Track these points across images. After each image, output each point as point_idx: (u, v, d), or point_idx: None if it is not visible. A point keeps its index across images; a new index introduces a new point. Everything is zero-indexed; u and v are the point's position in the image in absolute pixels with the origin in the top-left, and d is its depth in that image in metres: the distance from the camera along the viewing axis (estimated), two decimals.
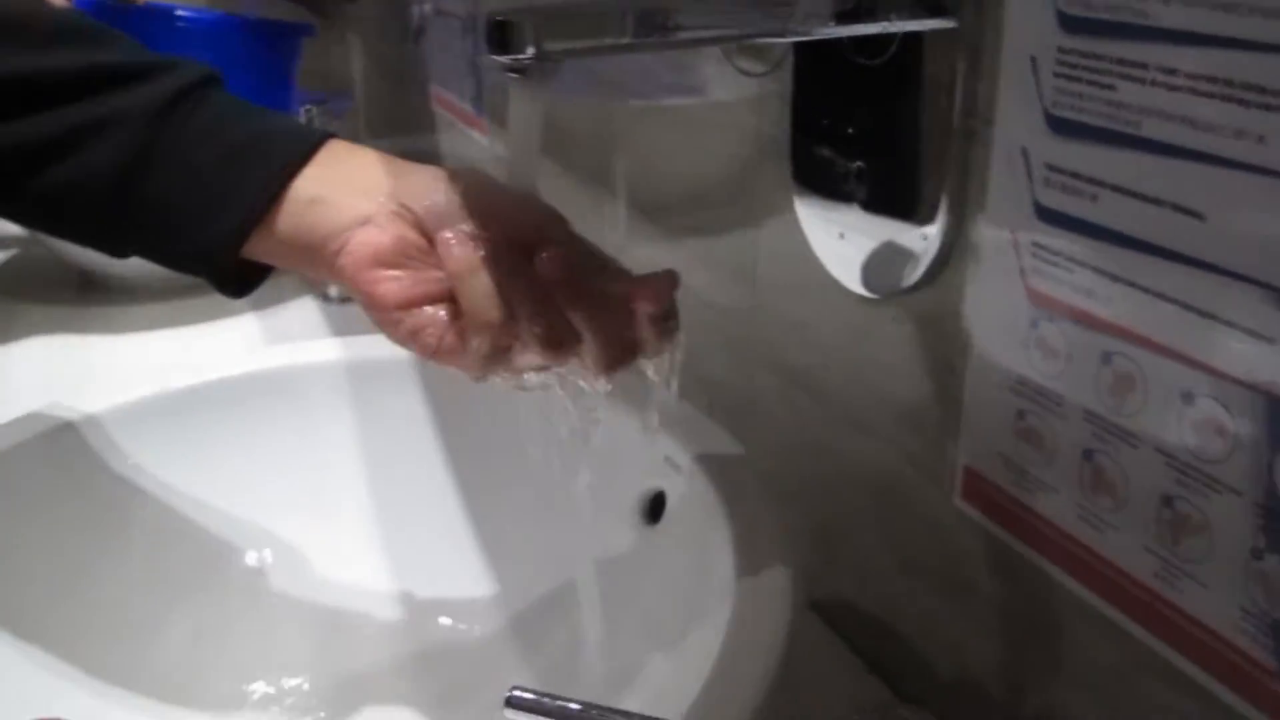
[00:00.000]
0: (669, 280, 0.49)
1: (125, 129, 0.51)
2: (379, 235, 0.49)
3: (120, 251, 0.55)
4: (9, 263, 1.23)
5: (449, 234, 0.48)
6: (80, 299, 1.12)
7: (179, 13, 1.27)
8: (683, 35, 0.48)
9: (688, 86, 0.74)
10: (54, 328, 1.06)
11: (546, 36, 0.43)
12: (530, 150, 0.46)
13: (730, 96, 0.69)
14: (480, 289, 0.47)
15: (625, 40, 0.46)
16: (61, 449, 0.63)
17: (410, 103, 1.45)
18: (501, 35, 0.43)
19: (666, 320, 0.49)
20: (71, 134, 0.51)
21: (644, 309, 0.48)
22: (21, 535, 0.60)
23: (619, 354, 0.48)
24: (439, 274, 0.49)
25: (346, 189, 0.51)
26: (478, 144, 1.18)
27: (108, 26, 0.55)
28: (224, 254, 0.52)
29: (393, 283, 0.49)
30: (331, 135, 0.54)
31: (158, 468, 0.66)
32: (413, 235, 0.50)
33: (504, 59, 0.44)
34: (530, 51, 0.43)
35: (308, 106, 1.15)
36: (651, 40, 0.47)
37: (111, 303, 1.10)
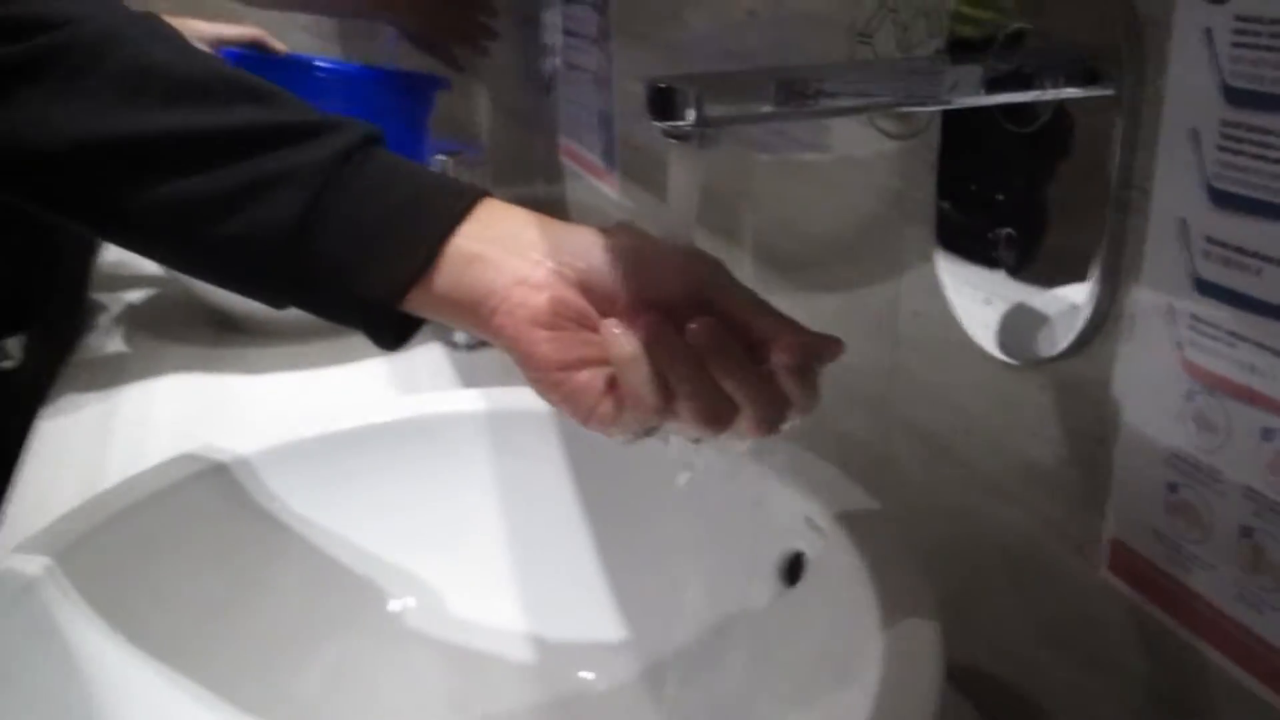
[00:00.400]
0: (792, 328, 0.49)
1: (299, 185, 0.53)
2: (537, 295, 0.50)
3: (281, 303, 0.57)
4: (150, 302, 1.28)
5: (613, 323, 0.49)
6: (216, 339, 1.16)
7: (318, 64, 1.32)
8: (832, 104, 0.49)
9: (824, 144, 0.75)
10: (192, 366, 1.10)
11: (707, 102, 0.44)
12: (689, 214, 0.47)
13: (868, 154, 0.69)
14: (640, 376, 0.48)
15: (776, 109, 0.47)
16: (214, 489, 0.65)
17: (537, 153, 1.48)
18: (663, 101, 0.44)
19: (806, 374, 0.49)
20: (248, 189, 0.53)
21: (782, 361, 0.48)
22: (173, 570, 0.62)
23: (772, 422, 0.49)
24: (594, 336, 0.50)
25: (505, 247, 0.52)
26: (605, 196, 1.20)
27: (277, 86, 0.57)
28: (385, 308, 0.53)
29: (551, 344, 0.50)
30: (487, 193, 0.55)
31: (305, 510, 0.68)
32: (571, 296, 0.51)
33: (665, 124, 0.45)
34: (691, 117, 0.44)
35: (443, 156, 1.18)
36: (801, 109, 0.48)
37: (246, 344, 1.14)
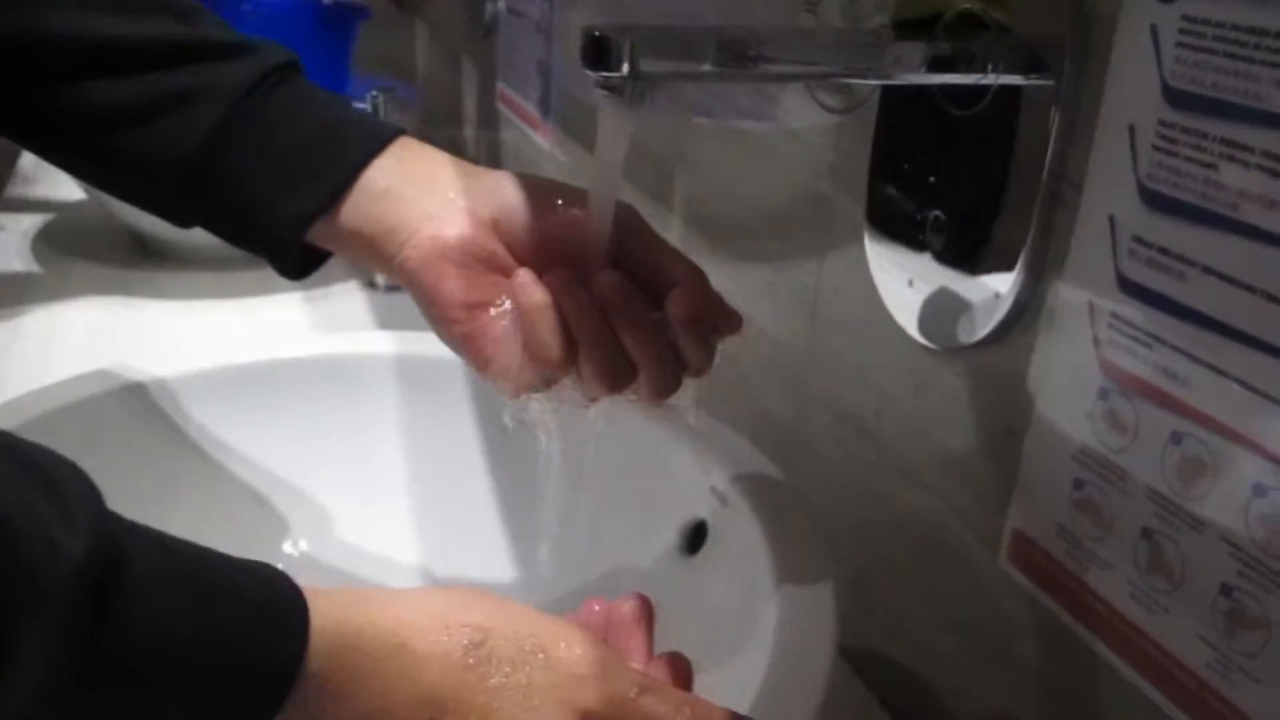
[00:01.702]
0: (697, 280, 0.49)
1: (212, 102, 0.52)
2: (448, 231, 0.50)
3: (186, 222, 0.55)
4: (63, 222, 1.24)
5: (524, 271, 0.48)
6: (131, 262, 1.12)
7: None
8: (771, 69, 0.48)
9: (762, 112, 0.74)
10: (105, 290, 1.06)
11: (642, 56, 0.43)
12: (615, 168, 0.46)
13: (806, 126, 0.68)
14: (547, 325, 0.47)
15: (714, 69, 0.46)
16: (117, 411, 0.63)
17: (474, 98, 1.45)
18: (598, 50, 0.43)
19: (699, 333, 0.48)
20: (159, 101, 0.52)
21: (676, 314, 0.47)
22: None
23: (668, 384, 0.48)
24: (501, 279, 0.49)
25: (417, 184, 0.51)
26: (538, 146, 1.18)
27: (198, 3, 0.55)
28: (290, 236, 0.52)
29: (458, 281, 0.49)
30: (403, 131, 0.54)
31: (204, 442, 0.66)
32: (482, 236, 0.50)
33: (598, 75, 0.43)
34: (625, 70, 0.43)
35: (375, 93, 1.15)
36: (740, 71, 0.47)
37: (162, 268, 1.11)
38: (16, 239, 1.18)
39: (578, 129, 1.08)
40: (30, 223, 1.22)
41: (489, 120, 1.39)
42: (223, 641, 0.34)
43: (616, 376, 0.47)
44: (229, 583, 0.36)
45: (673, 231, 0.86)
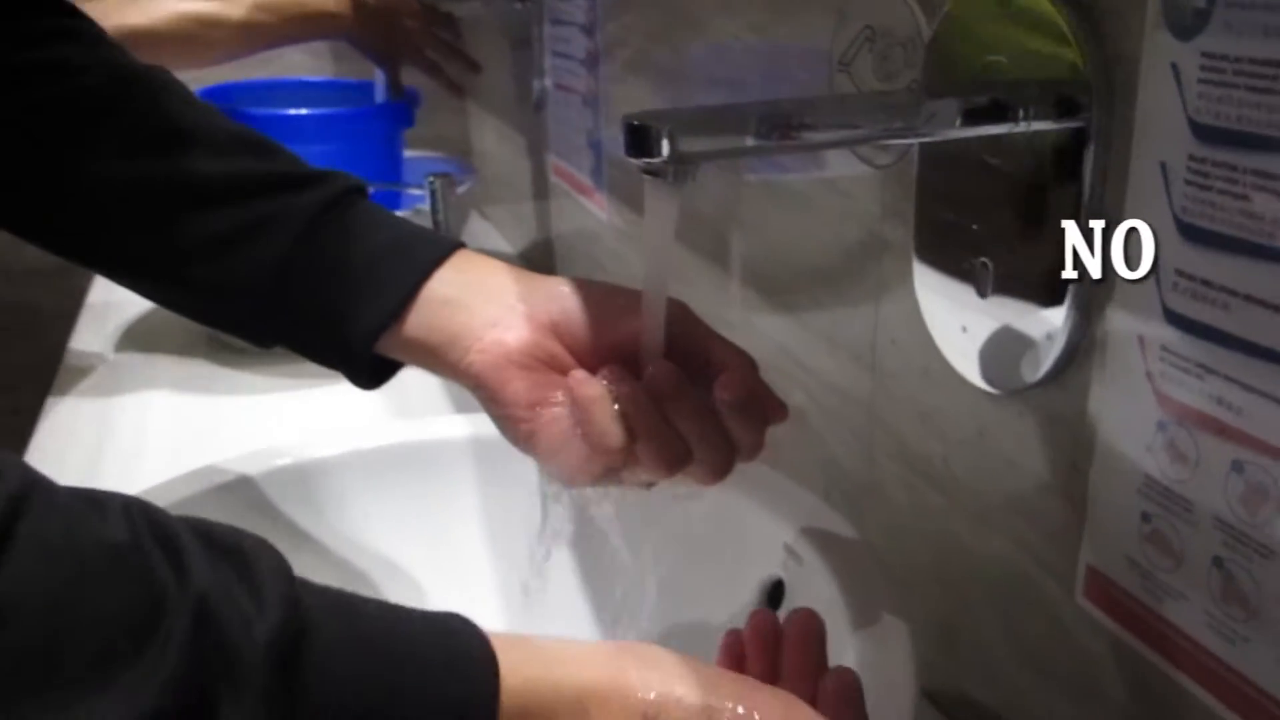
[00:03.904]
0: (744, 368, 0.51)
1: (286, 228, 0.56)
2: (510, 337, 0.52)
3: (267, 341, 0.59)
4: (145, 319, 1.28)
5: (578, 370, 0.51)
6: (210, 355, 1.16)
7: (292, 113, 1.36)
8: (812, 137, 0.49)
9: (806, 168, 0.75)
10: (187, 385, 1.10)
11: (681, 137, 0.45)
12: (666, 247, 0.48)
13: (849, 181, 0.70)
14: (605, 415, 0.49)
15: (755, 143, 0.47)
16: (211, 508, 0.66)
17: (528, 171, 1.48)
18: (637, 139, 0.45)
19: (751, 411, 0.50)
20: (241, 230, 0.56)
21: (723, 398, 0.50)
22: None
23: (721, 467, 0.51)
24: (561, 379, 0.52)
25: (478, 293, 0.54)
26: (593, 215, 1.21)
27: (270, 139, 0.60)
28: (361, 348, 0.55)
29: (523, 382, 0.51)
30: (462, 245, 0.57)
31: (290, 537, 0.68)
32: (543, 339, 0.52)
33: (641, 161, 0.45)
34: (666, 153, 0.45)
35: (431, 178, 1.19)
36: (781, 144, 0.48)
37: (240, 364, 1.14)
38: (101, 338, 1.23)
39: (630, 196, 1.11)
40: (116, 323, 1.27)
41: (542, 192, 1.42)
42: (412, 702, 0.37)
43: (673, 460, 0.49)
44: (417, 640, 0.38)
45: (731, 292, 0.87)
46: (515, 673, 0.39)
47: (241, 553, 0.36)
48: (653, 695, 0.41)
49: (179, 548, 0.34)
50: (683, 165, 0.46)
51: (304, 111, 1.37)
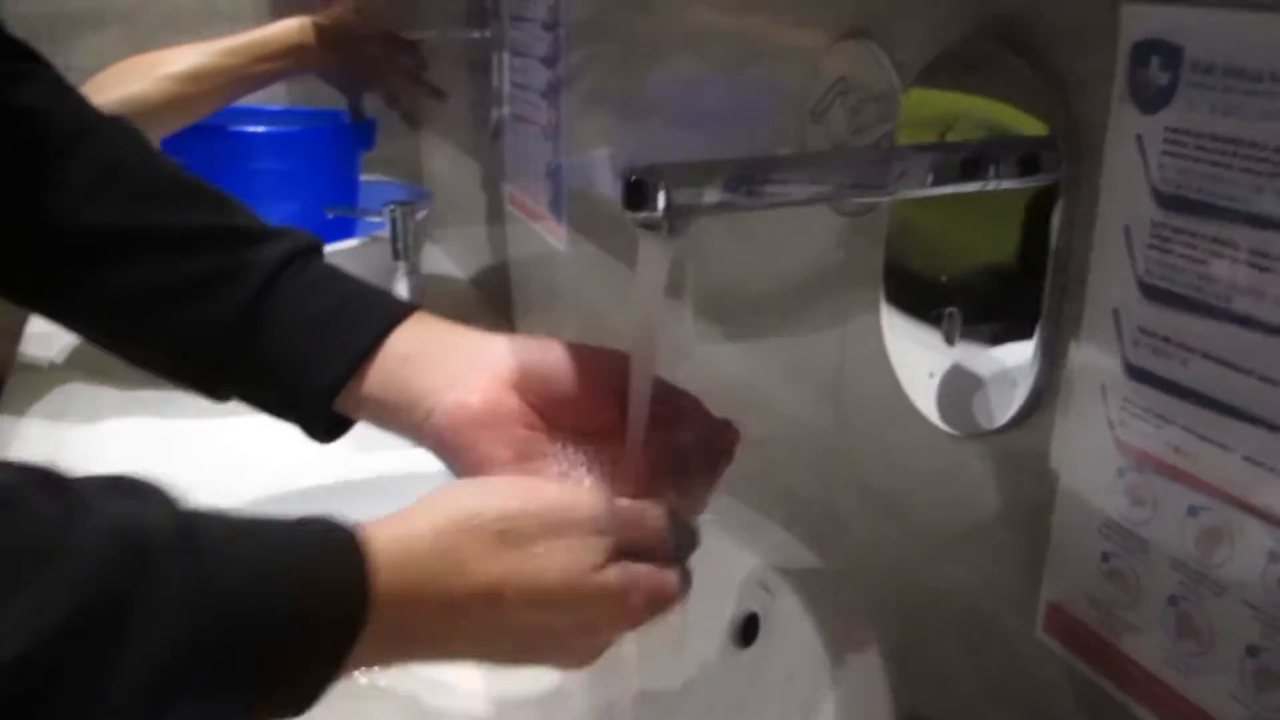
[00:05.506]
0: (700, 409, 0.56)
1: (244, 282, 0.56)
2: (472, 398, 0.53)
3: (221, 395, 0.59)
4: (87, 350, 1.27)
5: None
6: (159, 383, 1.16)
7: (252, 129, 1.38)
8: (784, 193, 0.52)
9: (775, 211, 0.78)
10: (139, 410, 1.10)
11: (675, 191, 0.47)
12: (657, 299, 0.50)
13: (820, 227, 0.72)
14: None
15: (732, 198, 0.49)
16: None
17: (481, 198, 1.50)
18: (636, 194, 0.47)
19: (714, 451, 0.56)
20: (198, 283, 0.57)
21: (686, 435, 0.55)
22: None
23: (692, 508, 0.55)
24: (529, 434, 0.54)
25: (437, 350, 0.56)
26: (551, 245, 1.23)
27: (228, 193, 0.61)
28: (319, 407, 0.56)
29: (493, 443, 0.53)
30: (417, 306, 0.58)
31: None
32: (502, 396, 0.54)
33: (639, 215, 0.47)
34: (662, 207, 0.47)
35: (391, 206, 1.20)
36: (761, 201, 0.51)
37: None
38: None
39: (589, 227, 1.13)
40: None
41: (496, 218, 1.44)
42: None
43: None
44: (287, 523, 0.43)
45: (684, 321, 0.89)
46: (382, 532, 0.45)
47: (122, 477, 0.41)
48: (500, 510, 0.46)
49: (60, 482, 0.38)
50: (677, 219, 0.48)
51: (262, 129, 1.37)
